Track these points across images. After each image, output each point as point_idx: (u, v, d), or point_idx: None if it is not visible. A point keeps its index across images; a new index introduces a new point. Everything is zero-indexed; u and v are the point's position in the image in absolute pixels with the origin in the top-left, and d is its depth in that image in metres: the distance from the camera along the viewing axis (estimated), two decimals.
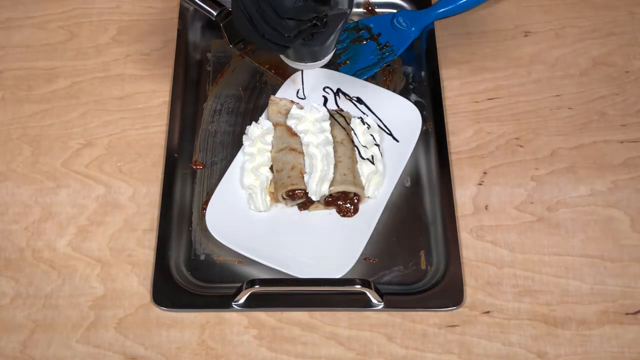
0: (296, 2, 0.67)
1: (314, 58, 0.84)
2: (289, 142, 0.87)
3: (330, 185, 0.83)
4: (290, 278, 0.80)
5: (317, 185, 0.83)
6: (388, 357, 0.77)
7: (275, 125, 0.89)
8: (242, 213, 0.85)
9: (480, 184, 0.88)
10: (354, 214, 0.85)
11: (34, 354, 0.78)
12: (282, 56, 0.85)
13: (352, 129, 0.88)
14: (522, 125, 0.92)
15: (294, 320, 0.79)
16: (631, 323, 0.79)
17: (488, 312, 0.80)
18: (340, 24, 0.79)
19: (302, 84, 0.90)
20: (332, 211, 0.85)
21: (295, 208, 0.86)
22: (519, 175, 0.88)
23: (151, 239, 0.84)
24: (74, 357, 0.78)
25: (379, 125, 0.90)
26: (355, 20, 1.01)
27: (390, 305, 0.79)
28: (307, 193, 0.84)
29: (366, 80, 0.95)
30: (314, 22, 0.72)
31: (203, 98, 0.95)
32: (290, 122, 0.88)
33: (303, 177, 0.84)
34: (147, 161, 0.89)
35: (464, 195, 0.87)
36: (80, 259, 0.83)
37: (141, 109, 0.93)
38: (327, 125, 0.87)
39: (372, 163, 0.86)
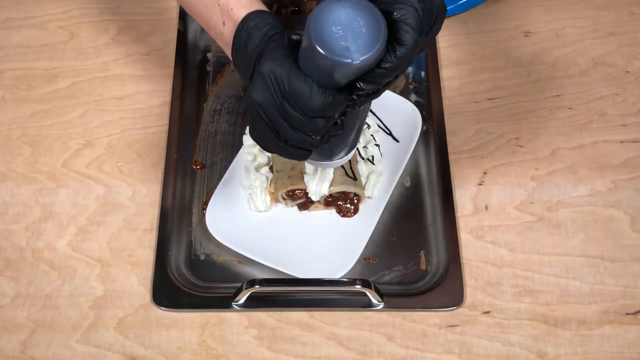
0: (325, 98, 0.58)
1: (337, 155, 0.74)
2: None
3: (330, 185, 0.83)
4: (290, 278, 0.80)
5: (317, 185, 0.83)
6: (388, 357, 0.77)
7: None
8: (242, 213, 0.85)
9: (480, 184, 0.88)
10: (354, 214, 0.85)
11: (34, 354, 0.78)
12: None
13: None
14: (522, 125, 0.92)
15: (294, 320, 0.79)
16: (631, 323, 0.79)
17: (488, 312, 0.80)
18: (358, 122, 0.70)
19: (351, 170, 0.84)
20: (332, 211, 0.85)
21: (295, 208, 0.86)
22: (519, 175, 0.88)
23: (151, 239, 0.84)
24: (74, 357, 0.78)
25: (379, 125, 0.90)
26: None
27: (390, 305, 0.79)
28: (307, 193, 0.84)
29: None
30: (336, 120, 0.63)
31: (203, 98, 0.95)
32: None
33: (303, 177, 0.84)
34: (147, 161, 0.89)
35: (464, 195, 0.87)
36: (80, 259, 0.83)
37: (141, 109, 0.93)
38: None
39: (372, 163, 0.86)
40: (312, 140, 0.62)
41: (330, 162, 0.73)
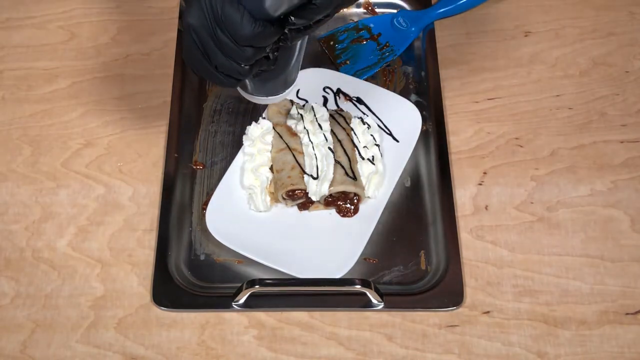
0: (255, 27, 0.61)
1: (272, 92, 0.78)
2: (289, 142, 0.87)
3: (330, 185, 0.83)
4: (290, 278, 0.80)
5: (317, 185, 0.83)
6: (388, 357, 0.77)
7: (275, 125, 0.89)
8: (242, 213, 0.85)
9: (480, 184, 0.88)
10: (354, 214, 0.85)
11: (34, 354, 0.78)
12: (239, 89, 0.79)
13: (352, 129, 0.88)
14: (522, 125, 0.92)
15: (294, 320, 0.79)
16: (631, 323, 0.79)
17: (488, 312, 0.80)
18: (292, 60, 0.73)
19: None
20: (332, 211, 0.85)
21: (295, 208, 0.86)
22: (519, 175, 0.88)
23: (151, 239, 0.84)
24: (74, 357, 0.78)
25: (379, 125, 0.90)
26: (355, 20, 1.01)
27: (390, 305, 0.79)
28: (307, 193, 0.84)
29: (366, 80, 0.95)
30: (267, 53, 0.67)
31: (203, 98, 0.95)
32: (290, 122, 0.88)
33: (303, 177, 0.84)
34: (147, 161, 0.89)
35: (464, 195, 0.87)
36: (80, 259, 0.83)
37: (141, 109, 0.93)
38: (327, 125, 0.87)
39: (372, 163, 0.86)
40: (241, 68, 0.66)
41: (265, 98, 0.76)
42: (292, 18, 0.62)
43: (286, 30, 0.63)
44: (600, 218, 0.85)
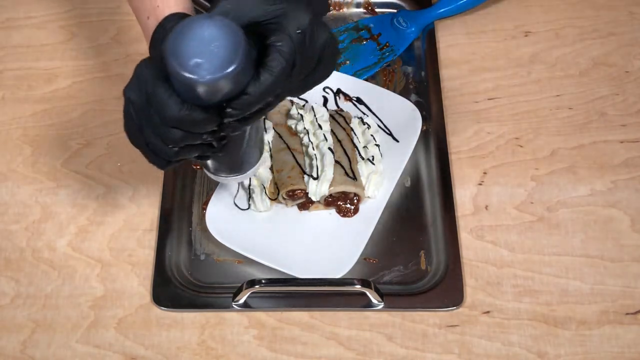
0: (182, 110, 0.56)
1: (232, 172, 0.73)
2: (288, 142, 0.87)
3: (330, 185, 0.83)
4: (290, 278, 0.80)
5: (317, 185, 0.83)
6: (388, 357, 0.77)
7: (275, 125, 0.89)
8: (242, 213, 0.85)
9: (480, 184, 0.88)
10: (354, 214, 0.85)
11: (34, 354, 0.78)
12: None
13: (352, 129, 0.88)
14: (522, 125, 0.92)
15: (294, 320, 0.79)
16: (631, 323, 0.79)
17: (488, 312, 0.80)
18: (242, 145, 0.67)
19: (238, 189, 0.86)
20: (332, 211, 0.85)
21: (295, 208, 0.86)
22: (519, 175, 0.88)
23: (151, 239, 0.84)
24: (74, 357, 0.78)
25: (379, 125, 0.90)
26: (355, 20, 1.01)
27: (390, 305, 0.79)
28: (307, 193, 0.84)
29: (366, 80, 0.95)
30: (208, 140, 0.61)
31: None
32: (290, 122, 0.88)
33: (303, 177, 0.84)
34: (147, 161, 0.89)
35: (464, 195, 0.87)
36: (80, 259, 0.83)
37: None
38: (327, 125, 0.87)
39: (372, 163, 0.86)
40: (168, 150, 0.61)
41: (224, 178, 0.73)
42: (229, 109, 0.57)
43: (225, 120, 0.59)
44: (600, 218, 0.85)
